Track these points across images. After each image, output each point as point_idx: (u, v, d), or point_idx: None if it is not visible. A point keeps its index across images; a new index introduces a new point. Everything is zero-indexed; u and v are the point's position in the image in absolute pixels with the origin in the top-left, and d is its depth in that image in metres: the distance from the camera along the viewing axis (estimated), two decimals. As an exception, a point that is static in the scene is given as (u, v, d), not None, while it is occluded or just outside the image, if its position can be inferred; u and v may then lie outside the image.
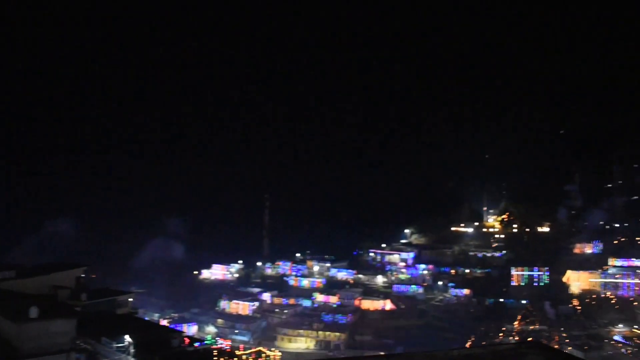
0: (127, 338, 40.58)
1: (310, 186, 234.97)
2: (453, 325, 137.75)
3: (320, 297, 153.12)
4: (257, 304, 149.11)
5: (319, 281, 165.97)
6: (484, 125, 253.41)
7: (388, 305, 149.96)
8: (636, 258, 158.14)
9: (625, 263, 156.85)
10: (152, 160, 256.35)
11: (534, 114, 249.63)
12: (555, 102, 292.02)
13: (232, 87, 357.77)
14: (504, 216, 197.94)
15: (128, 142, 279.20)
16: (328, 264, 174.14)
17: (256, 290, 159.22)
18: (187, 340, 46.98)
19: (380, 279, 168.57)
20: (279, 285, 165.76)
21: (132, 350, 40.07)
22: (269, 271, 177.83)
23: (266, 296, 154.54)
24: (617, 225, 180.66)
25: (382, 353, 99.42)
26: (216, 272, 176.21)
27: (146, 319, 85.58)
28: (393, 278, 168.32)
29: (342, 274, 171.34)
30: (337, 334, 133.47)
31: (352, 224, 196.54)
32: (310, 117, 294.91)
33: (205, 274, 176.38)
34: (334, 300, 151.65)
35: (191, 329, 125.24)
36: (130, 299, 59.11)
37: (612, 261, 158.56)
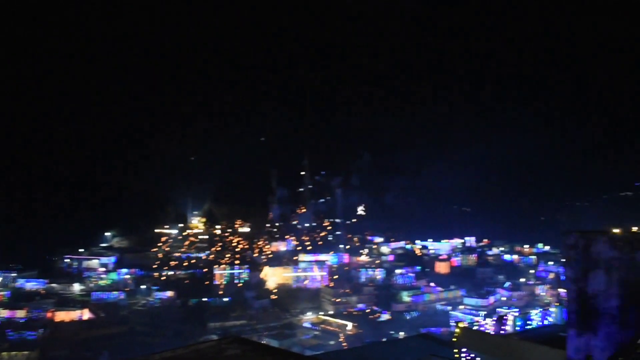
0: None
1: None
2: (157, 329, 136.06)
3: (4, 313, 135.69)
4: None
5: (1, 294, 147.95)
6: (190, 127, 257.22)
7: (86, 314, 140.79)
8: (321, 253, 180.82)
9: (312, 258, 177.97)
10: None
11: (239, 119, 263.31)
12: (260, 109, 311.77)
13: None
14: (207, 217, 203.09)
15: None
16: (14, 274, 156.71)
17: None
18: None
19: (77, 287, 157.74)
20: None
21: None
22: None
23: None
24: (307, 224, 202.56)
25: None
26: None
27: None
28: (92, 285, 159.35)
29: (32, 284, 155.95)
30: (26, 352, 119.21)
31: (44, 227, 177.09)
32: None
33: None
34: (21, 314, 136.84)
35: None
36: None
37: (302, 257, 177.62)
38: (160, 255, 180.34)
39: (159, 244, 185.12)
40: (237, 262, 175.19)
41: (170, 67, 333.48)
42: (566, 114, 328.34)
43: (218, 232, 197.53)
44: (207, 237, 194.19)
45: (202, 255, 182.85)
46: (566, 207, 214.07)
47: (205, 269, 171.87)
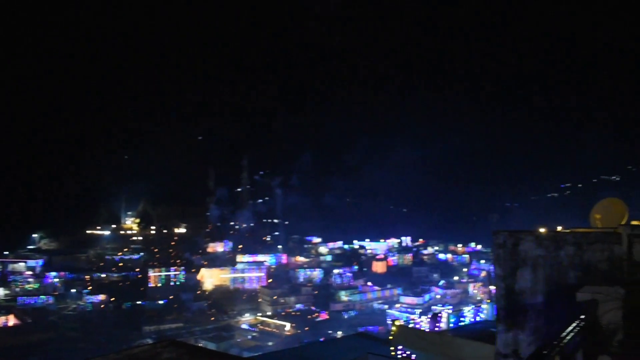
0: None
1: None
2: (88, 335, 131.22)
3: None
4: None
5: None
6: (124, 124, 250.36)
7: (12, 320, 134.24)
8: (259, 254, 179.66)
9: (251, 258, 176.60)
10: None
11: (178, 119, 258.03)
12: (196, 110, 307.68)
13: None
14: (142, 218, 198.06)
15: None
16: None
17: None
18: None
19: (1, 292, 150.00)
20: None
21: None
22: None
23: None
24: (245, 225, 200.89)
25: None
26: None
27: None
28: (18, 289, 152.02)
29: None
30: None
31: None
32: None
33: None
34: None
35: None
36: None
37: (240, 257, 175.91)
38: (92, 257, 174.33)
39: (91, 246, 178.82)
40: (173, 263, 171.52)
41: (96, 65, 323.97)
42: (498, 118, 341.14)
43: (153, 233, 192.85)
44: (141, 238, 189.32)
45: (137, 257, 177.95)
46: (497, 208, 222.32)
47: (140, 271, 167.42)
